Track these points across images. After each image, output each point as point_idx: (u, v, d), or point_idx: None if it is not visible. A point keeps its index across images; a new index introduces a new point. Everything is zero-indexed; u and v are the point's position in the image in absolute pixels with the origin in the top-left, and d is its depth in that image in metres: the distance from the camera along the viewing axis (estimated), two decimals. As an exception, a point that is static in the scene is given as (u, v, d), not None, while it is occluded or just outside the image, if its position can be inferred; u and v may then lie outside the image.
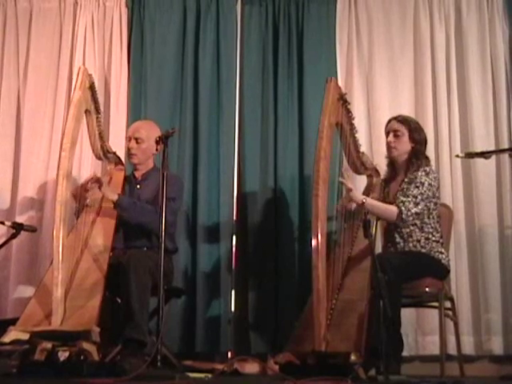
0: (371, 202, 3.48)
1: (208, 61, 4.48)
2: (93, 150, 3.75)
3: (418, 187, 3.48)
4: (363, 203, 3.45)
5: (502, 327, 4.07)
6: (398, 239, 3.57)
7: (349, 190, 3.44)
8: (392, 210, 3.47)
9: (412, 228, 3.53)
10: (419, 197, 3.47)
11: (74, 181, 4.01)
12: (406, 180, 3.57)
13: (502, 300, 4.11)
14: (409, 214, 3.45)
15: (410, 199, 3.46)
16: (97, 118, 3.62)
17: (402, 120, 3.67)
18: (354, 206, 3.64)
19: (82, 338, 2.98)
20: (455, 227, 4.06)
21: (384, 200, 3.64)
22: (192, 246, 4.28)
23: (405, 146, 3.63)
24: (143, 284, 3.26)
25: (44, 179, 4.36)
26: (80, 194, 3.61)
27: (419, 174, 3.52)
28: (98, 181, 3.58)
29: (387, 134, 3.68)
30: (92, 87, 3.51)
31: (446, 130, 4.30)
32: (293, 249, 4.23)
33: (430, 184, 3.51)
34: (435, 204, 3.56)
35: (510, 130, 4.31)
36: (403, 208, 3.44)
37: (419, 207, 3.47)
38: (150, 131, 3.78)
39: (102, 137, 3.70)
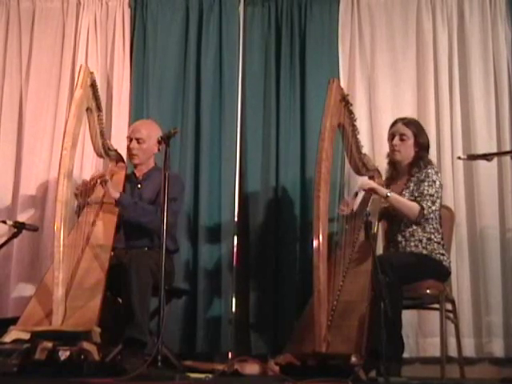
0: (395, 197, 3.48)
1: (210, 61, 4.48)
2: (94, 148, 3.76)
3: (431, 186, 3.49)
4: (387, 197, 3.46)
5: (502, 329, 4.07)
6: (399, 238, 3.56)
7: (371, 189, 3.48)
8: (414, 206, 3.47)
9: (414, 227, 3.53)
10: (435, 195, 3.48)
11: (76, 179, 4.01)
12: (412, 179, 3.57)
13: (503, 302, 4.10)
14: (430, 210, 3.46)
15: (427, 198, 3.46)
16: (98, 115, 3.62)
17: (408, 123, 3.66)
18: (355, 207, 3.65)
19: (82, 338, 2.98)
20: (457, 229, 4.05)
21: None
22: (193, 246, 4.28)
23: (409, 150, 3.62)
24: (144, 284, 3.26)
25: (46, 178, 4.36)
26: (83, 191, 3.61)
27: (429, 171, 3.53)
28: (102, 177, 3.58)
29: (392, 135, 3.67)
30: (93, 85, 3.51)
31: (448, 131, 4.30)
32: (294, 249, 4.23)
33: (440, 183, 3.53)
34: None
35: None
36: (424, 205, 3.45)
37: (436, 205, 3.49)
38: (150, 131, 3.78)
39: (103, 134, 3.71)
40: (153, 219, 3.47)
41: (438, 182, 3.52)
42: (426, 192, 3.48)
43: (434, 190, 3.48)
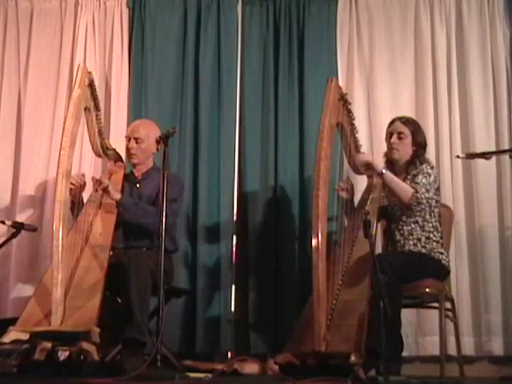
0: (390, 175, 3.49)
1: (209, 60, 4.48)
2: (92, 148, 3.76)
3: (425, 177, 3.49)
4: (382, 174, 3.46)
5: (502, 328, 4.07)
6: (398, 237, 3.57)
7: (367, 164, 3.48)
8: (408, 188, 3.47)
9: (413, 226, 3.53)
10: (428, 186, 3.47)
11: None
12: (409, 177, 3.57)
13: (502, 301, 4.10)
14: (423, 196, 3.44)
15: (421, 185, 3.46)
16: (96, 115, 3.63)
17: (406, 122, 3.66)
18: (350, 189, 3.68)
19: (81, 338, 2.97)
20: (456, 228, 4.06)
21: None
22: (192, 245, 4.28)
23: (407, 148, 3.63)
24: (143, 284, 3.26)
25: (44, 178, 4.35)
26: (79, 193, 3.61)
27: (423, 166, 3.53)
28: (101, 184, 3.57)
29: (390, 134, 3.67)
30: (91, 84, 3.51)
31: (447, 130, 4.30)
32: (293, 249, 4.23)
33: (435, 177, 3.54)
34: (436, 202, 3.56)
35: (510, 130, 4.30)
36: (418, 189, 3.44)
37: (430, 194, 3.47)
38: (149, 130, 3.78)
39: (102, 134, 3.71)
40: (154, 220, 3.45)
41: (432, 176, 3.51)
42: (419, 181, 3.48)
43: (427, 180, 3.48)
